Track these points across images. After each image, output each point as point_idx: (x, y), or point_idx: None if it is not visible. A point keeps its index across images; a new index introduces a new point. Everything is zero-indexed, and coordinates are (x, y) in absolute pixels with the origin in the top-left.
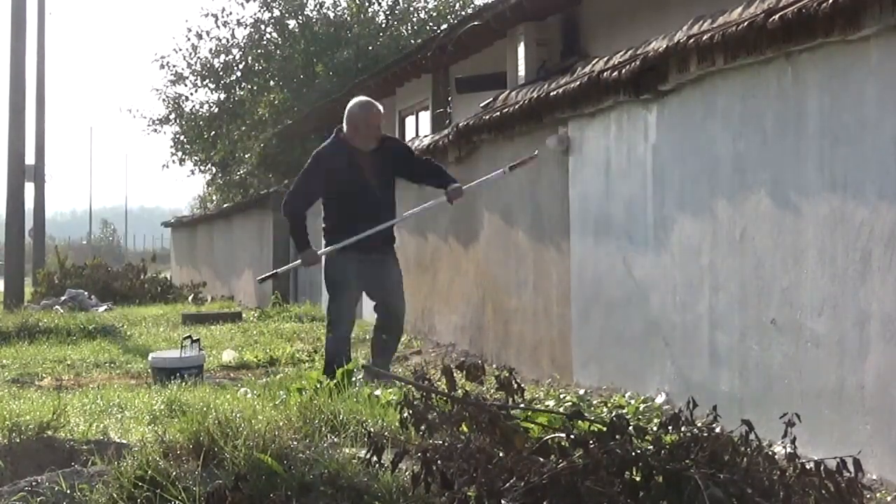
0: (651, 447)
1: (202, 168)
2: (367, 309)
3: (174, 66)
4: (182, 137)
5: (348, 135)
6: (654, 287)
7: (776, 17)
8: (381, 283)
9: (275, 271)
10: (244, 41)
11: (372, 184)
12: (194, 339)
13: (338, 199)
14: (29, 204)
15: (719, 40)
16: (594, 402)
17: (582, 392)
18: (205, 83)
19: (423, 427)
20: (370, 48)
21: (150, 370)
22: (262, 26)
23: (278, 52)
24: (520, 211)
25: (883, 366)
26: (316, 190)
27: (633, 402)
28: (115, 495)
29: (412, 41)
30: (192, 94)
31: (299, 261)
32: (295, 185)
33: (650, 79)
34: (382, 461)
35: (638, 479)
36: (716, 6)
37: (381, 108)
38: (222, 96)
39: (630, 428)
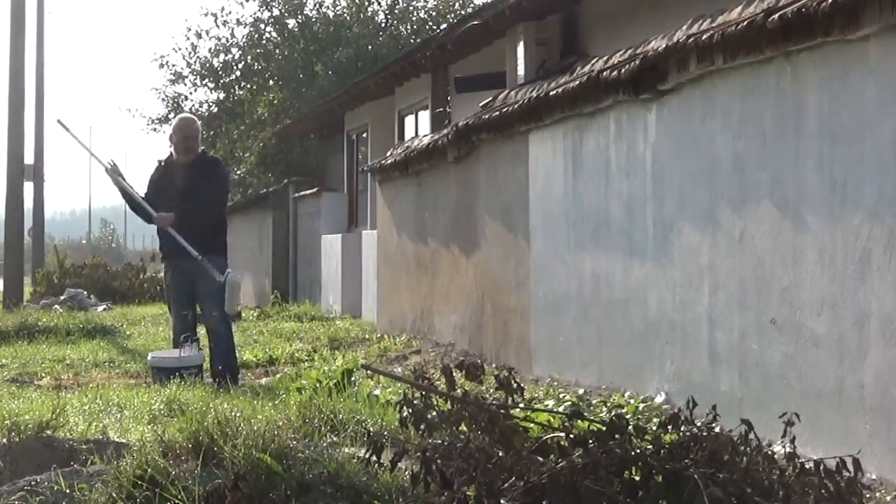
0: (650, 447)
1: None
2: (367, 308)
3: (173, 66)
4: None
5: (173, 148)
6: (654, 287)
7: (776, 16)
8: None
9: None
10: (243, 40)
11: (185, 193)
12: (193, 338)
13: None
14: (28, 203)
15: (719, 40)
16: (594, 401)
17: (581, 391)
18: (204, 82)
19: (422, 426)
20: (370, 48)
21: (149, 370)
22: (262, 26)
23: (278, 51)
24: (519, 211)
25: (882, 366)
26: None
27: (632, 401)
28: (114, 494)
29: (412, 40)
30: (191, 93)
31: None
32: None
33: (650, 78)
34: (382, 460)
35: (637, 478)
36: (715, 6)
37: (196, 124)
38: (221, 96)
39: (629, 427)
